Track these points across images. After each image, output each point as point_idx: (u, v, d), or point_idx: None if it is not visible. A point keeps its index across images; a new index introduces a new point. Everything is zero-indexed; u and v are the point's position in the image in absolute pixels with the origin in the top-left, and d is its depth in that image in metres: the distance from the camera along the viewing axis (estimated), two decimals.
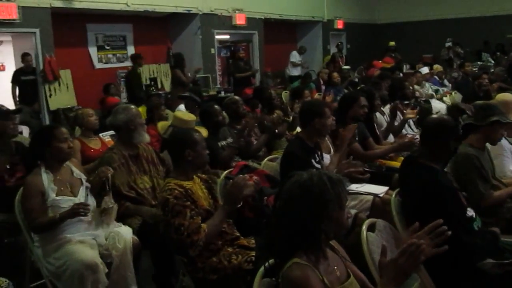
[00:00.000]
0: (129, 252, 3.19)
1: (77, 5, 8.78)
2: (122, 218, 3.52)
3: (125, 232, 3.28)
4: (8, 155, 3.81)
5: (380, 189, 3.80)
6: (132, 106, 4.00)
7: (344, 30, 16.13)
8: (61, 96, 8.81)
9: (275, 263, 1.93)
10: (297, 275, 1.78)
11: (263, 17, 12.90)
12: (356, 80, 10.81)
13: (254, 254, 2.80)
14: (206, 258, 2.81)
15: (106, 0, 9.26)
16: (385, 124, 5.33)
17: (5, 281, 2.62)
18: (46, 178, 3.16)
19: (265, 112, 5.68)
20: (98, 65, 10.26)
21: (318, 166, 3.52)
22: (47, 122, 8.54)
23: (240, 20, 11.97)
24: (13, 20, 7.88)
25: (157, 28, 11.27)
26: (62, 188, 3.19)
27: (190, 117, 5.21)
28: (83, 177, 3.36)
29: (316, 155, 3.62)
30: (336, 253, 2.03)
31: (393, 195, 3.03)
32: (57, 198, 3.14)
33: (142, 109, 6.76)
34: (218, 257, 2.81)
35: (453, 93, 8.89)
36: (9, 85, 8.71)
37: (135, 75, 9.51)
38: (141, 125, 3.81)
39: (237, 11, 11.88)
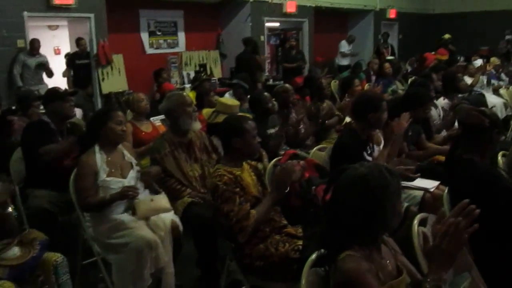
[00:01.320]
0: (168, 235, 3.23)
1: None
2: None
3: (166, 215, 3.30)
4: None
5: (430, 184, 3.70)
6: (179, 93, 4.00)
7: (397, 20, 15.76)
8: (113, 80, 9.02)
9: (327, 254, 1.91)
10: (351, 267, 1.76)
11: (313, 5, 12.77)
12: (408, 71, 10.57)
13: (301, 243, 2.79)
14: (253, 244, 2.82)
15: None
16: (437, 118, 5.19)
17: (60, 256, 2.71)
18: (99, 158, 3.24)
19: (315, 101, 5.63)
20: (149, 51, 10.43)
21: (370, 158, 3.46)
22: (100, 105, 8.77)
23: (290, 8, 11.89)
24: (69, 5, 8.10)
25: (207, 15, 11.33)
26: (113, 170, 3.26)
27: (233, 102, 5.21)
28: (134, 161, 3.41)
29: (368, 147, 3.55)
30: (387, 246, 2.00)
31: (446, 191, 2.95)
32: (108, 179, 3.21)
33: (191, 95, 6.85)
34: (265, 244, 2.82)
35: (510, 87, 8.56)
36: (64, 68, 8.95)
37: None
38: (186, 113, 3.75)
39: None
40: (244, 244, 2.81)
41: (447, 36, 13.71)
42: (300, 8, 12.19)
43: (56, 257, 2.69)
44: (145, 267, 3.04)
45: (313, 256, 2.02)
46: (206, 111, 4.82)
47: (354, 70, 10.43)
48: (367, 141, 3.58)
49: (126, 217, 3.21)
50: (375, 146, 3.67)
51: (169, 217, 3.26)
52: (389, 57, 12.15)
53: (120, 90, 8.96)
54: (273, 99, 5.08)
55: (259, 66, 9.67)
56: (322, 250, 1.98)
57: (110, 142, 3.34)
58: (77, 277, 3.38)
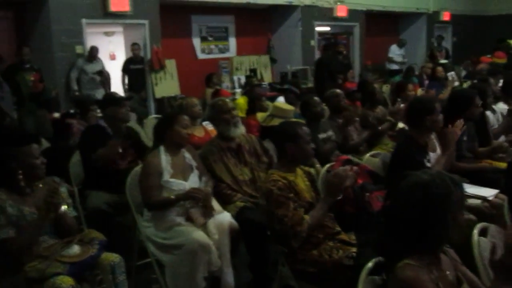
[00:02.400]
0: (226, 237, 3.25)
1: None
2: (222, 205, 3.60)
3: (223, 217, 3.34)
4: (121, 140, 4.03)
5: (489, 192, 3.57)
6: (219, 101, 4.00)
7: (451, 22, 15.37)
8: (166, 84, 9.22)
9: (384, 262, 1.88)
10: (409, 276, 1.72)
11: (365, 9, 12.63)
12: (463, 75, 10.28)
13: (355, 250, 2.75)
14: (306, 250, 2.81)
15: None
16: (496, 123, 5.01)
17: (117, 257, 2.79)
18: (164, 160, 3.33)
19: (367, 106, 5.55)
20: (201, 56, 10.61)
21: (429, 165, 3.39)
22: (153, 110, 8.97)
23: (341, 12, 11.81)
24: (125, 12, 8.35)
25: (258, 20, 11.41)
26: (176, 172, 3.33)
27: (289, 106, 5.22)
28: (194, 164, 3.47)
29: (427, 154, 3.48)
30: (447, 256, 1.95)
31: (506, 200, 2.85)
32: (170, 180, 3.29)
33: (243, 100, 6.90)
34: (318, 251, 2.80)
35: None
36: (119, 73, 9.21)
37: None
38: (225, 120, 3.77)
39: (338, 3, 11.73)
40: (297, 250, 2.80)
41: (509, 41, 13.13)
42: (351, 12, 12.09)
43: (114, 257, 2.78)
44: (198, 270, 3.08)
45: (370, 263, 1.99)
46: (261, 115, 4.83)
47: (406, 74, 10.25)
48: (426, 148, 3.51)
49: (181, 219, 3.26)
50: (430, 153, 3.59)
51: (227, 218, 3.30)
52: (443, 61, 11.86)
53: (173, 95, 9.15)
54: (324, 104, 5.05)
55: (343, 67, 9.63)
56: (379, 258, 1.95)
57: (175, 145, 3.43)
58: (131, 277, 3.45)
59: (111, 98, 4.24)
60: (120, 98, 4.32)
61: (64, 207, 2.82)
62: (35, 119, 6.99)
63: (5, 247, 2.64)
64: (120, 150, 3.98)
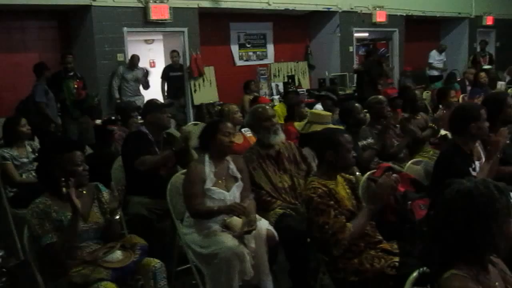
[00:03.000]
0: (264, 245, 3.24)
1: (223, 5, 9.18)
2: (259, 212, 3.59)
3: (261, 225, 3.31)
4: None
5: None
6: (259, 108, 3.99)
7: (494, 26, 14.97)
8: (204, 91, 9.31)
9: (430, 272, 1.84)
10: (456, 286, 1.68)
11: (404, 14, 12.45)
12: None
13: (397, 260, 2.70)
14: (348, 259, 2.77)
15: (249, 0, 9.57)
16: None
17: (159, 262, 2.82)
18: (208, 168, 3.34)
19: (408, 113, 5.45)
20: (239, 62, 10.66)
21: (474, 174, 3.30)
22: (192, 116, 9.06)
23: (380, 17, 11.68)
24: (165, 20, 8.48)
25: (296, 26, 11.39)
26: (219, 181, 3.34)
27: (325, 112, 5.18)
28: (239, 175, 3.44)
29: (472, 162, 3.39)
30: (496, 268, 1.88)
31: None
32: (212, 188, 3.29)
33: (281, 107, 6.90)
34: (360, 259, 2.76)
35: None
36: (159, 80, 9.35)
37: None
38: (264, 127, 3.76)
39: (377, 8, 11.60)
40: (338, 258, 2.77)
41: None
42: (391, 17, 11.93)
43: (155, 262, 2.81)
44: (233, 279, 3.08)
45: (415, 273, 1.95)
46: (298, 124, 4.80)
47: (448, 80, 10.04)
48: (471, 156, 3.42)
49: (218, 227, 3.27)
50: (476, 161, 3.50)
51: (264, 226, 3.28)
52: (486, 66, 11.57)
53: (211, 101, 9.22)
54: (365, 110, 4.99)
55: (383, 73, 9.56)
56: (424, 268, 1.90)
57: (219, 153, 3.42)
58: (171, 283, 3.48)
59: (153, 104, 4.30)
60: (161, 104, 4.38)
61: (118, 215, 2.88)
62: (78, 126, 7.18)
63: (49, 252, 2.70)
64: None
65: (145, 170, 3.95)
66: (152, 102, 4.39)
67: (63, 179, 2.71)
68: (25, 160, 4.61)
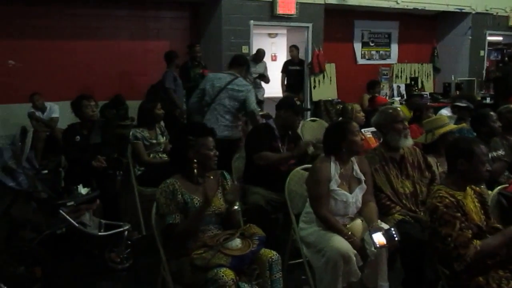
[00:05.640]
0: (384, 250, 3.17)
1: (350, 1, 9.07)
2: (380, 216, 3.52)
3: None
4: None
5: None
6: (391, 109, 3.87)
7: None
8: (324, 88, 9.28)
9: None
10: None
11: None
12: None
13: None
14: (472, 275, 2.63)
15: None
16: None
17: (276, 254, 2.86)
18: (333, 168, 3.31)
19: None
20: (361, 61, 10.50)
21: None
22: (309, 112, 9.07)
23: None
24: (291, 15, 8.55)
25: (423, 27, 10.98)
26: (343, 182, 3.31)
27: (441, 116, 4.90)
28: (362, 178, 3.38)
29: None
30: None
31: None
32: (336, 189, 3.25)
33: (402, 109, 6.66)
34: (485, 278, 2.61)
35: None
36: (279, 74, 9.47)
37: None
38: (395, 129, 3.62)
39: None
40: (461, 273, 2.64)
41: None
42: None
43: (272, 254, 2.85)
44: (337, 279, 3.05)
45: None
46: (420, 139, 4.56)
47: None
48: None
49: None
50: None
51: None
52: None
53: (330, 99, 9.17)
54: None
55: None
56: None
57: (347, 154, 3.36)
58: (283, 275, 3.52)
59: (288, 102, 4.37)
60: (296, 105, 4.44)
61: (237, 205, 2.98)
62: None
63: (171, 231, 2.85)
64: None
65: (263, 165, 4.04)
66: (289, 99, 4.47)
67: (195, 161, 2.84)
68: (154, 141, 4.89)
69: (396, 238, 3.05)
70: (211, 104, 5.07)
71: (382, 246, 3.04)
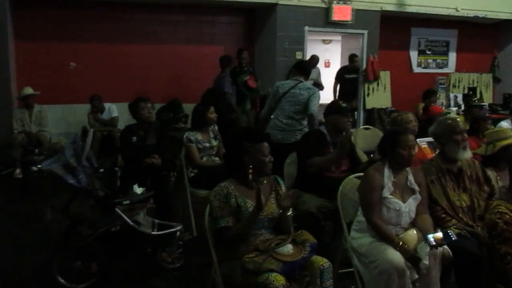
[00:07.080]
0: (437, 263, 3.09)
1: (407, 9, 8.93)
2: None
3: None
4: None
5: None
6: (450, 119, 3.77)
7: None
8: (378, 96, 9.16)
9: None
10: None
11: None
12: None
13: None
14: None
15: (436, 5, 9.17)
16: None
17: (327, 262, 2.84)
18: (387, 176, 3.27)
19: None
20: (416, 69, 10.31)
21: None
22: (361, 120, 8.97)
23: None
24: (346, 21, 8.50)
25: (483, 36, 10.67)
26: (396, 191, 3.26)
27: (505, 128, 4.73)
28: (417, 188, 3.32)
29: None
30: None
31: None
32: (389, 197, 3.21)
33: (460, 120, 6.48)
34: None
35: None
36: (332, 81, 9.41)
37: None
38: (454, 140, 3.54)
39: None
40: None
41: None
42: None
43: (324, 262, 2.83)
44: None
45: None
46: (480, 150, 4.43)
47: None
48: None
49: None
50: None
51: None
52: None
53: (383, 106, 9.04)
54: None
55: None
56: None
57: (398, 165, 3.33)
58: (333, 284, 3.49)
59: (337, 106, 4.34)
60: (345, 108, 4.39)
61: (290, 211, 2.99)
62: (247, 118, 7.58)
63: (223, 234, 2.88)
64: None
65: (314, 171, 4.02)
66: (336, 103, 4.44)
67: (251, 166, 2.87)
68: (207, 144, 4.96)
69: (453, 238, 2.95)
70: (274, 109, 5.21)
71: (439, 243, 2.94)
